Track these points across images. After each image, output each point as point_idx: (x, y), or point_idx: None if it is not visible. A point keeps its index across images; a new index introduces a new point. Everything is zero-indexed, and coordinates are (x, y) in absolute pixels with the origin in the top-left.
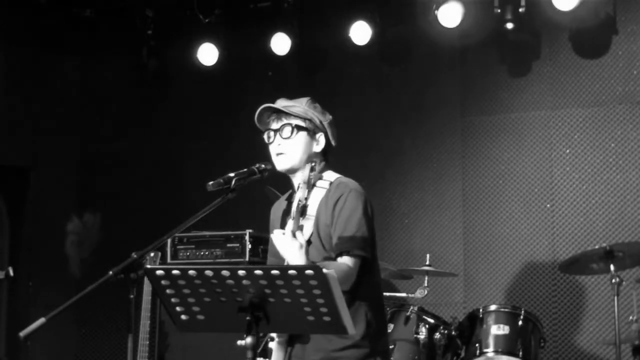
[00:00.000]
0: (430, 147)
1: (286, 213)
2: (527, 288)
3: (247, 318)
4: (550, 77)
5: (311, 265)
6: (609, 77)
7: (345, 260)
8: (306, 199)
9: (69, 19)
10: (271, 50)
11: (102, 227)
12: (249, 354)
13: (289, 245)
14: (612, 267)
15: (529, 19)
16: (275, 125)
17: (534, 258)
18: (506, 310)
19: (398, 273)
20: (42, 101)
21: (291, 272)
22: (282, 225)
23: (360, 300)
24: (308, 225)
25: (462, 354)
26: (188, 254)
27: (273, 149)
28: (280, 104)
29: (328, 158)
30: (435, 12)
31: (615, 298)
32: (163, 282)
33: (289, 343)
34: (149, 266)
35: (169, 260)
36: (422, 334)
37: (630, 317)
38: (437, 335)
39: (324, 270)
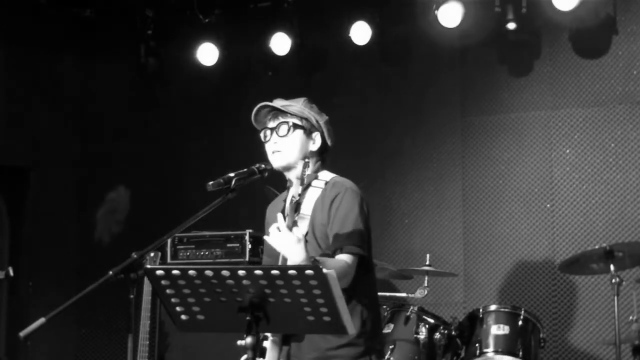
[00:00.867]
0: (430, 147)
1: (282, 212)
2: (527, 288)
3: (247, 318)
4: (550, 77)
5: (311, 265)
6: (609, 77)
7: (343, 257)
8: (300, 195)
9: (69, 19)
10: (271, 50)
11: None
12: (249, 354)
13: (287, 240)
14: (612, 267)
15: (529, 19)
16: (272, 123)
17: (534, 258)
18: (506, 310)
19: (398, 273)
20: (42, 101)
21: (291, 272)
22: None
23: (356, 298)
24: (303, 224)
25: (462, 354)
26: (188, 254)
27: (269, 147)
28: (277, 103)
29: (324, 158)
30: (435, 12)
31: (615, 298)
32: (163, 282)
33: (284, 342)
34: (149, 266)
35: (169, 260)
36: (422, 334)
37: (630, 317)
38: (437, 335)
39: (324, 270)
